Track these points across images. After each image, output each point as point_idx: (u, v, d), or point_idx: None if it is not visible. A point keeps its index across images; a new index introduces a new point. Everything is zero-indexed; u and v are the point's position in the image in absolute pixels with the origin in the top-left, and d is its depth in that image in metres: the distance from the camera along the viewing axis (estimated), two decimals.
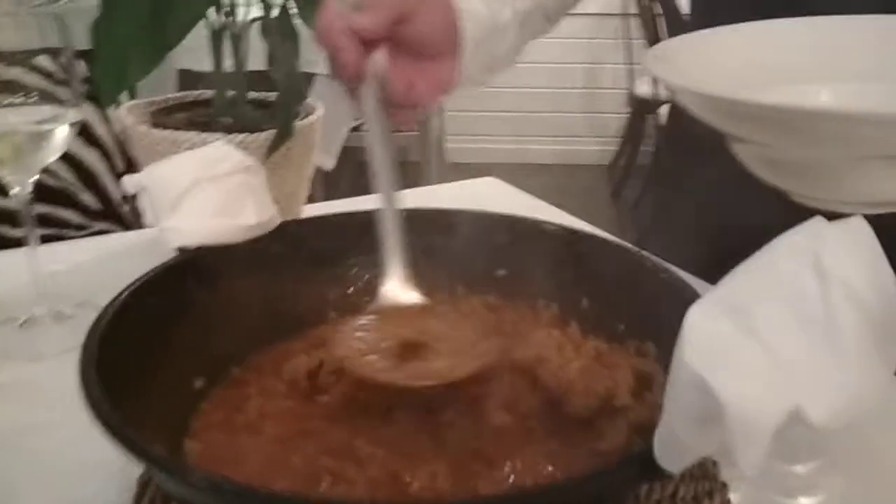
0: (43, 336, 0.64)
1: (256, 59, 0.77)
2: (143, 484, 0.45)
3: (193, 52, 0.74)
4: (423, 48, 0.54)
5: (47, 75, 0.63)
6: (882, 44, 0.48)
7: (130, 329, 0.45)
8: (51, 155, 0.60)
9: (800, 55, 0.48)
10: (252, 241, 0.54)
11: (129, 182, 0.55)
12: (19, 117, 0.59)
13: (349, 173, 2.46)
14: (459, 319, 0.52)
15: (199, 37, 0.71)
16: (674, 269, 0.49)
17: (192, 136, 0.70)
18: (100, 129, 1.17)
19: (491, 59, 0.61)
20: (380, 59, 0.52)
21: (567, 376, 0.47)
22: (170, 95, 0.84)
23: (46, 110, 0.60)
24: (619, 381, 0.46)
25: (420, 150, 2.93)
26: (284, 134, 0.70)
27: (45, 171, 0.62)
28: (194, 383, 0.49)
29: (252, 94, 0.80)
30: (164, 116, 0.79)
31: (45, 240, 0.65)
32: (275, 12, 0.72)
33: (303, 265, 0.57)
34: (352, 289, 0.58)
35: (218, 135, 0.69)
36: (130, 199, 1.23)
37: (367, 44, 0.50)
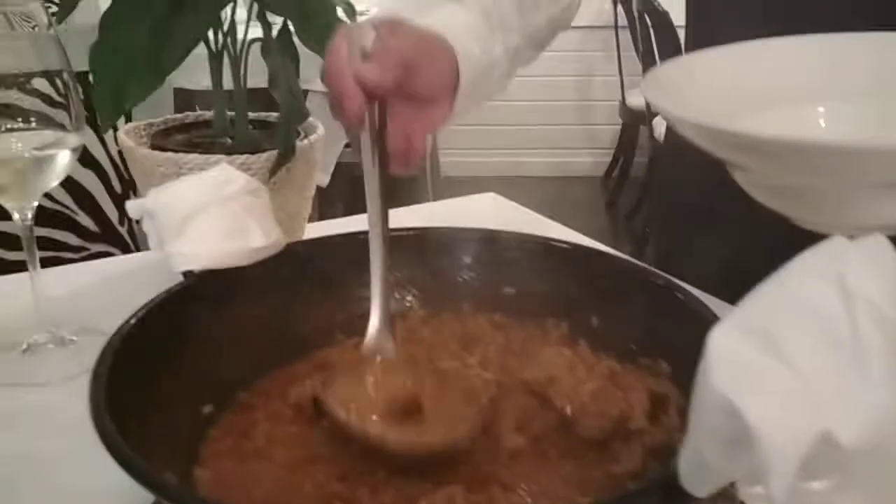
0: (45, 362, 0.63)
1: (254, 77, 0.77)
2: None
3: (188, 69, 0.74)
4: (422, 95, 0.55)
5: (44, 98, 0.62)
6: (880, 61, 0.48)
7: (138, 356, 0.45)
8: (52, 180, 0.60)
9: (798, 74, 0.48)
10: (258, 264, 0.54)
11: (133, 207, 0.54)
12: (20, 143, 0.59)
13: (344, 189, 2.47)
14: (443, 375, 0.51)
15: (193, 55, 0.71)
16: (685, 286, 0.49)
17: (194, 157, 0.70)
18: (96, 151, 1.17)
19: (482, 95, 0.61)
20: (380, 113, 0.52)
21: (580, 397, 0.47)
22: (168, 116, 0.84)
23: (48, 135, 0.60)
24: (633, 404, 0.46)
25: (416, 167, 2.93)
26: (286, 154, 0.70)
27: (43, 194, 0.62)
28: (202, 409, 0.49)
29: (251, 115, 0.79)
30: (163, 138, 0.79)
31: (44, 262, 0.65)
32: (275, 31, 0.72)
33: (309, 288, 0.56)
34: (359, 311, 0.58)
35: (219, 156, 0.69)
36: (129, 220, 1.23)
37: (374, 94, 0.50)
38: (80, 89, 0.61)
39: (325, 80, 0.51)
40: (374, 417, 0.45)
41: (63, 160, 0.59)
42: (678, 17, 2.23)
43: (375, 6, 1.08)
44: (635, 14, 2.80)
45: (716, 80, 0.47)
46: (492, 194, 0.94)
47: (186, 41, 0.69)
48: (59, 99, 0.61)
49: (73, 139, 0.60)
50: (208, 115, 0.84)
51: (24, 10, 0.60)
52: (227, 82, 0.76)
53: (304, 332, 0.56)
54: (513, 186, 0.96)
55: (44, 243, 1.08)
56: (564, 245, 0.56)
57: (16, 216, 0.60)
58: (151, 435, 0.41)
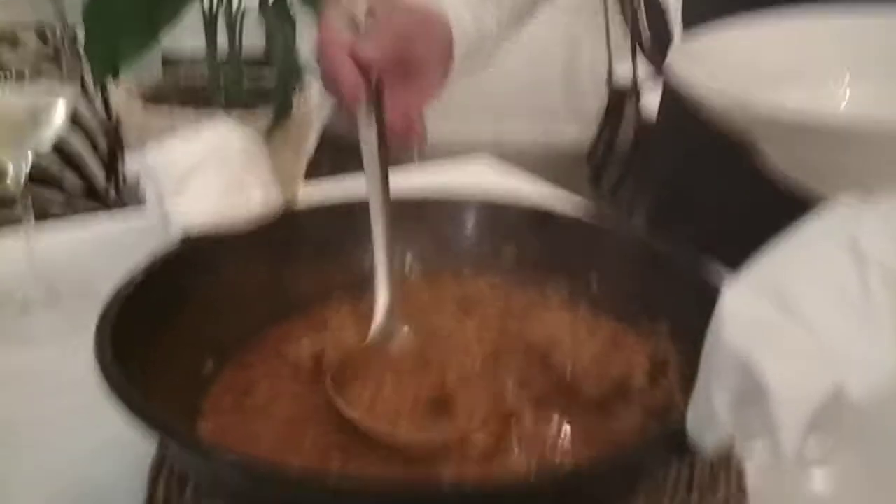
0: (40, 321, 0.62)
1: (249, 39, 0.76)
2: (157, 467, 0.44)
3: (176, 35, 0.73)
4: (417, 69, 0.54)
5: (35, 53, 0.61)
6: None
7: (140, 314, 0.44)
8: (48, 134, 0.59)
9: (821, 51, 0.48)
10: (256, 227, 0.53)
11: (131, 164, 0.54)
12: (14, 96, 0.57)
13: (330, 153, 2.45)
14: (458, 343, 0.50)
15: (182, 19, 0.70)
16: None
17: (189, 114, 0.69)
18: (83, 111, 1.15)
19: (472, 67, 0.61)
20: (377, 89, 0.50)
21: (581, 359, 0.47)
22: (161, 75, 0.83)
23: (42, 88, 0.58)
24: (633, 366, 0.46)
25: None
26: (282, 115, 0.69)
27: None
28: (203, 367, 0.49)
29: (246, 74, 0.79)
30: (156, 96, 0.78)
31: None
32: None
33: (308, 250, 0.56)
34: (357, 273, 0.58)
35: (216, 110, 0.68)
36: (115, 180, 1.21)
37: (368, 68, 0.49)
38: (76, 40, 0.60)
39: (317, 57, 0.50)
40: (403, 422, 0.44)
41: (59, 113, 0.58)
42: None
43: None
44: None
45: (740, 55, 0.47)
46: (486, 157, 0.94)
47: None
48: (50, 53, 0.60)
49: (69, 91, 0.59)
50: (201, 73, 0.82)
51: None
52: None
53: (302, 291, 0.56)
54: (497, 156, 0.95)
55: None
56: (564, 209, 0.56)
57: (10, 171, 0.60)
58: (154, 391, 0.41)
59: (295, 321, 0.54)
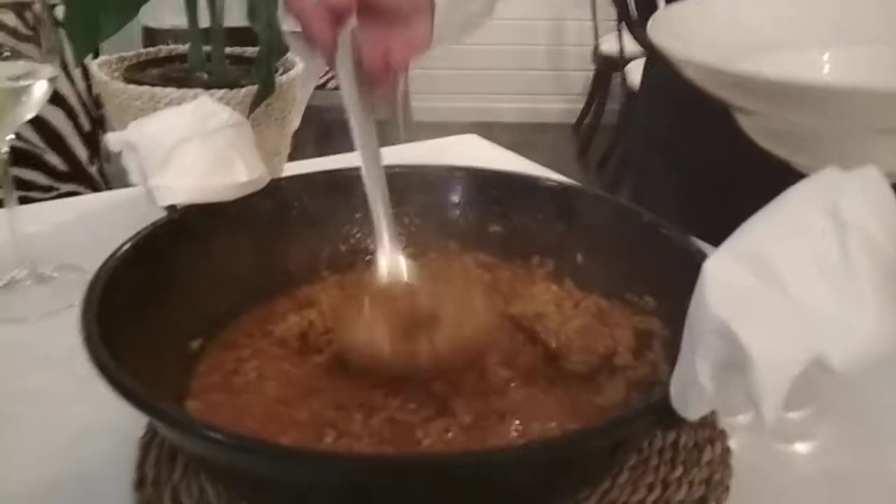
0: (25, 299, 0.62)
1: (231, 14, 0.75)
2: (146, 445, 0.45)
3: (155, 8, 0.72)
4: (395, 12, 0.53)
5: (11, 31, 0.60)
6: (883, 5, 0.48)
7: (125, 291, 0.44)
8: (28, 112, 0.58)
9: (807, 17, 0.48)
10: (242, 199, 0.53)
11: (114, 139, 0.53)
12: None
13: (315, 132, 2.43)
14: (455, 282, 0.51)
15: None
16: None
17: (171, 91, 0.68)
18: (64, 89, 1.13)
19: (465, 18, 0.60)
20: (352, 29, 0.50)
21: (566, 333, 0.48)
22: (141, 51, 0.82)
23: (20, 66, 0.58)
24: (618, 340, 0.47)
25: (386, 109, 2.91)
26: (266, 89, 0.69)
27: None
28: (191, 344, 0.48)
29: (227, 51, 0.78)
30: (136, 72, 0.77)
31: None
32: None
33: (294, 224, 0.56)
34: (344, 247, 0.58)
35: (198, 90, 0.67)
36: (98, 159, 1.20)
37: (338, 14, 0.49)
38: (56, 19, 0.59)
39: (287, 9, 0.50)
40: (395, 339, 0.44)
41: (39, 90, 0.58)
42: None
43: None
44: None
45: (722, 23, 0.47)
46: (473, 136, 0.94)
47: None
48: (28, 32, 0.59)
49: (49, 69, 0.58)
50: (182, 49, 0.82)
51: None
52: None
53: (289, 267, 0.56)
54: (483, 132, 0.95)
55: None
56: (550, 183, 0.56)
57: None
58: (141, 369, 0.40)
59: (282, 298, 0.54)
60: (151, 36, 1.52)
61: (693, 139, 0.75)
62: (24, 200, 0.83)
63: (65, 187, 1.14)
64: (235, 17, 0.75)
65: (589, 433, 0.33)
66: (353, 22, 0.50)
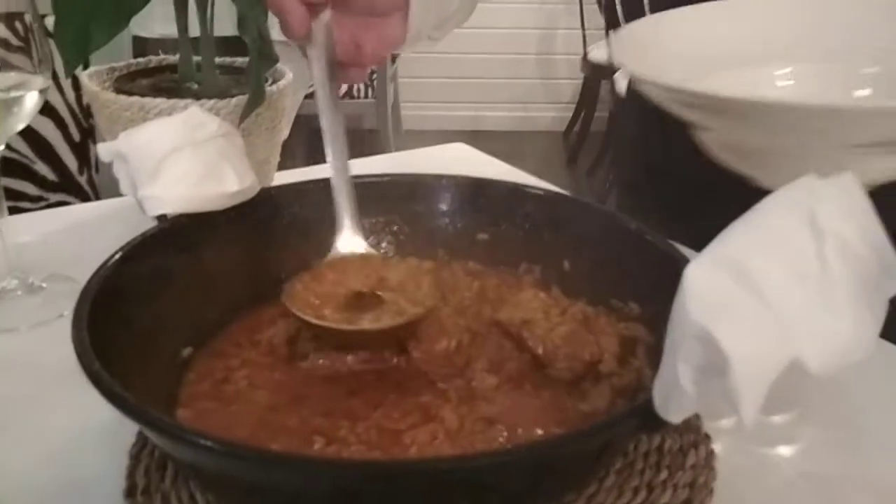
0: (16, 308, 0.62)
1: (221, 24, 0.76)
2: (137, 454, 0.45)
3: (145, 18, 0.72)
4: (369, 8, 0.54)
5: (2, 42, 0.61)
6: (850, 20, 0.49)
7: (116, 300, 0.44)
8: (20, 123, 0.58)
9: (766, 34, 0.49)
10: (232, 208, 0.54)
11: (105, 149, 0.53)
12: None
13: (304, 141, 2.44)
14: (409, 269, 0.53)
15: (151, 3, 0.69)
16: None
17: (161, 102, 0.69)
18: (54, 99, 1.14)
19: (440, 16, 0.61)
20: (325, 20, 0.52)
21: (553, 340, 0.48)
22: (131, 61, 0.82)
23: (11, 77, 0.58)
24: (603, 347, 0.47)
25: (376, 117, 2.92)
26: (257, 99, 0.69)
27: None
28: (181, 353, 0.49)
29: (217, 60, 0.78)
30: (127, 83, 0.77)
31: None
32: None
33: (284, 232, 0.57)
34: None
35: (188, 101, 0.68)
36: (88, 170, 1.20)
37: (313, 5, 0.50)
38: (46, 29, 0.59)
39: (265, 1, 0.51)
40: (333, 310, 0.48)
41: (30, 101, 0.58)
42: None
43: None
44: None
45: (683, 40, 0.48)
46: (461, 144, 0.94)
47: None
48: (19, 43, 0.60)
49: (40, 80, 0.59)
50: (172, 59, 0.82)
51: None
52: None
53: (279, 275, 0.56)
54: (473, 140, 0.96)
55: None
56: (537, 191, 0.57)
57: None
58: (132, 378, 0.41)
59: (270, 307, 0.55)
60: (141, 45, 1.52)
61: (671, 148, 0.76)
62: (13, 211, 0.83)
63: (55, 197, 1.14)
64: (225, 26, 0.76)
65: (574, 437, 0.33)
66: (327, 14, 0.52)
